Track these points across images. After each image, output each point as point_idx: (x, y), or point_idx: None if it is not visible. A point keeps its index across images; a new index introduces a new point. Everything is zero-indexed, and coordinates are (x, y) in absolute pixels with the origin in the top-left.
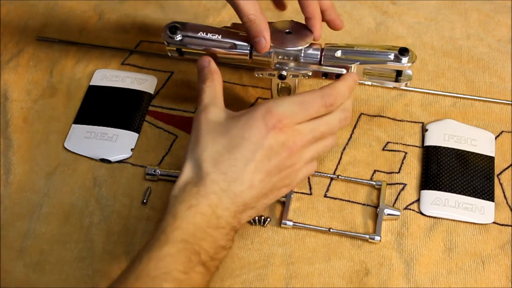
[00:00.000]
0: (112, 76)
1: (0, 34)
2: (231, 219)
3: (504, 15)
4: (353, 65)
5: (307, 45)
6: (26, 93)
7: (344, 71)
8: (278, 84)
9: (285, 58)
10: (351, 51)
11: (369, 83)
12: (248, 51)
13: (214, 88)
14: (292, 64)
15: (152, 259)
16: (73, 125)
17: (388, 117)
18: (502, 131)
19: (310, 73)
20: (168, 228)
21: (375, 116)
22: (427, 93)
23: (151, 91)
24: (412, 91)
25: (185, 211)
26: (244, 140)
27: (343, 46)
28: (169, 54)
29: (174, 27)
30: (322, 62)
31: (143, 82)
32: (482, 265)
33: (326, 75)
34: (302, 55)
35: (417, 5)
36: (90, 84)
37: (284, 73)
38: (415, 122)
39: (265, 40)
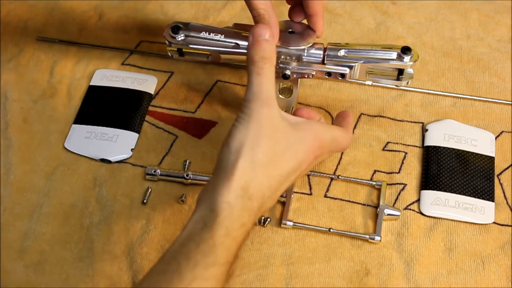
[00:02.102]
0: (112, 76)
1: (0, 34)
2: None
3: (504, 15)
4: (356, 64)
5: (310, 44)
6: (26, 93)
7: (347, 70)
8: (279, 84)
9: (288, 58)
10: (354, 50)
11: (370, 83)
12: None
13: (273, 75)
14: (294, 64)
15: (197, 277)
16: (73, 125)
17: (388, 117)
18: (502, 131)
19: (313, 73)
20: (219, 248)
21: (375, 116)
22: (427, 93)
23: (151, 91)
24: (412, 91)
25: (238, 229)
26: (295, 158)
27: (346, 45)
28: (170, 55)
29: (176, 27)
30: (325, 62)
31: (143, 82)
32: (482, 265)
33: (329, 74)
34: (305, 54)
35: (417, 5)
36: (90, 84)
37: (287, 72)
38: (415, 122)
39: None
